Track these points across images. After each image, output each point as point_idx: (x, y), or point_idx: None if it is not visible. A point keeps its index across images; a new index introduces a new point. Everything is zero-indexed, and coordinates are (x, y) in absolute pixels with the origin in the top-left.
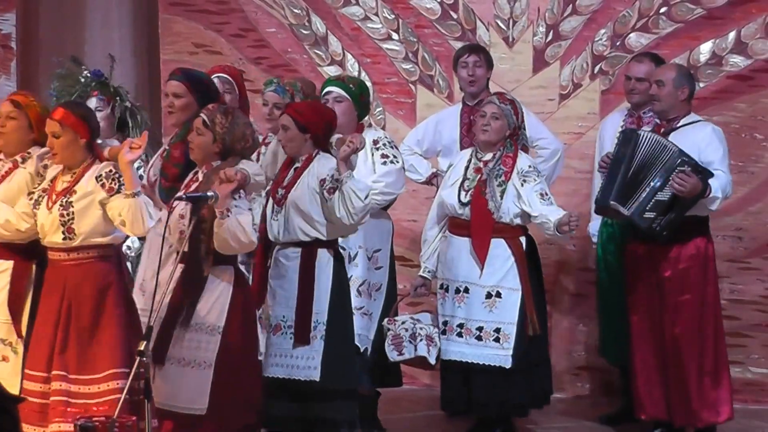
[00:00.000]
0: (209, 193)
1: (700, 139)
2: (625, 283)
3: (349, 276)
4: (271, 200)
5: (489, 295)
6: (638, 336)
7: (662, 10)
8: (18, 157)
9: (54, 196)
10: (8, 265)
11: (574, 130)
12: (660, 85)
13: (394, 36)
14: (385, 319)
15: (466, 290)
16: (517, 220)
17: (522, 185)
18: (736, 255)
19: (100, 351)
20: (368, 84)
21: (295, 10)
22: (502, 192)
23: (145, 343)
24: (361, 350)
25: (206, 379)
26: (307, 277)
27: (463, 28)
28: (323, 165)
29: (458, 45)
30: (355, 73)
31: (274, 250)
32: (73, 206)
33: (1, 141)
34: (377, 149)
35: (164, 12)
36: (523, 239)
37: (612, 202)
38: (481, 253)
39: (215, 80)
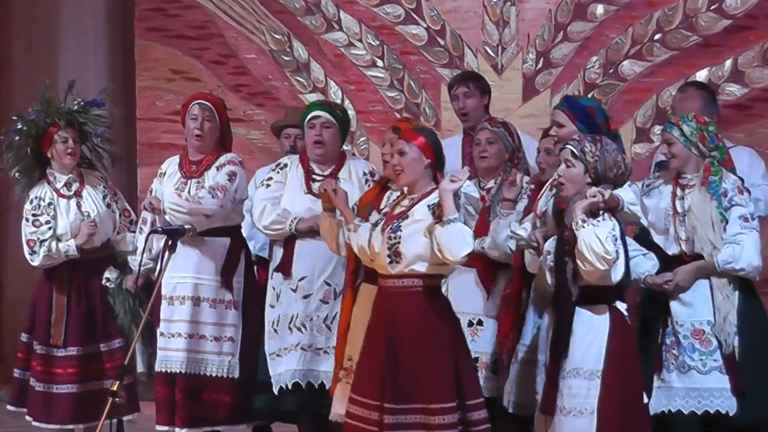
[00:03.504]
0: (186, 226)
1: (742, 164)
2: None
3: (334, 313)
4: None
5: None
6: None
7: (656, 36)
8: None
9: (390, 220)
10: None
11: None
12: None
13: (379, 63)
14: None
15: (480, 323)
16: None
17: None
18: None
19: (427, 385)
20: (351, 113)
21: (277, 36)
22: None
23: (117, 383)
24: None
25: (589, 427)
26: None
27: (451, 55)
28: None
29: (445, 72)
30: (338, 101)
31: None
32: (401, 230)
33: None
34: (375, 181)
35: (141, 37)
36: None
37: None
38: (487, 283)
39: (195, 107)
